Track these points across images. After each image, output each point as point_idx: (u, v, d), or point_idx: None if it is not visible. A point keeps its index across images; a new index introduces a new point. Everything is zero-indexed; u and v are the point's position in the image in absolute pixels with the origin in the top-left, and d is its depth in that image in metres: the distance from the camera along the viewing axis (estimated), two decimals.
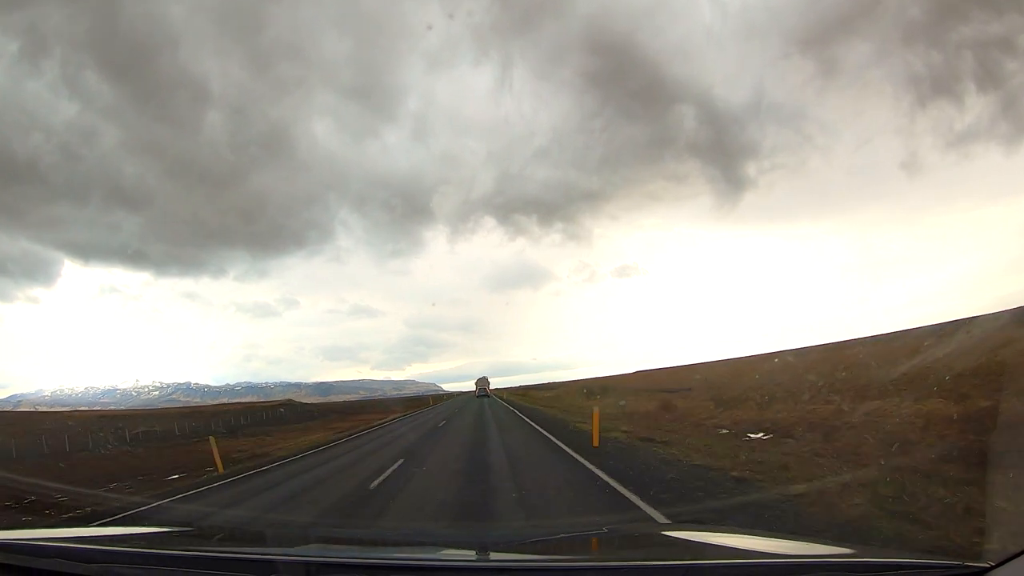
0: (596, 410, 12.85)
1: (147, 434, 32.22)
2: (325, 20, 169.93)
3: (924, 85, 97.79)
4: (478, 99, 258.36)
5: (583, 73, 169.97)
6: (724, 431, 12.17)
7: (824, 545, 2.38)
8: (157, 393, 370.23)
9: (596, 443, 11.35)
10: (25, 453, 23.44)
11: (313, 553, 2.14)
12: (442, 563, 2.09)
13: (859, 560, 1.86)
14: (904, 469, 6.05)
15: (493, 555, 2.25)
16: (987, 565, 1.56)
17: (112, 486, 12.22)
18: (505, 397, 69.69)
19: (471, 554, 2.30)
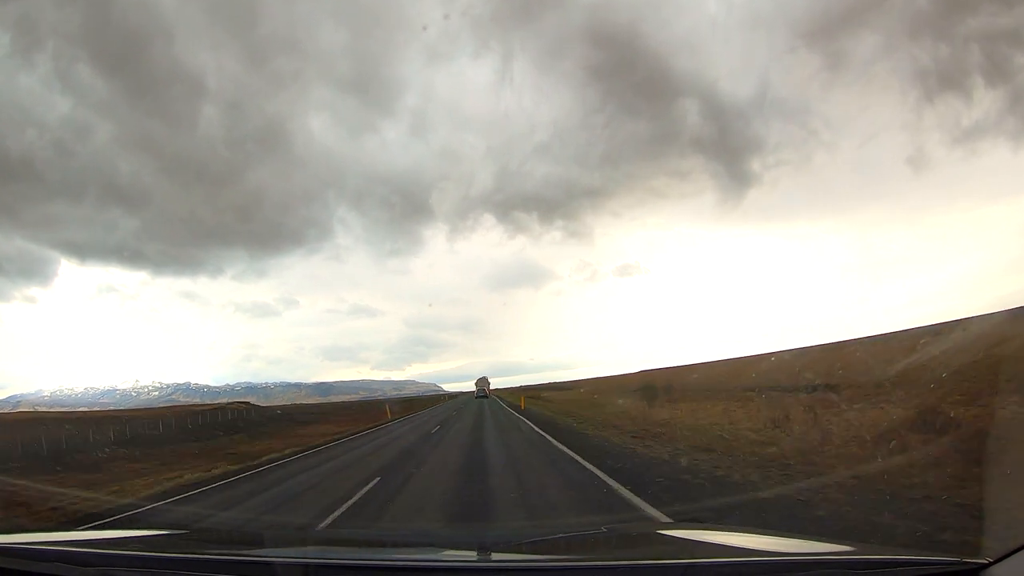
0: None
1: None
2: (321, 11, 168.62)
3: (931, 79, 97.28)
4: (478, 92, 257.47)
5: (585, 66, 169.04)
6: None
7: (823, 543, 2.38)
8: (157, 393, 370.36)
9: None
10: None
11: (312, 555, 2.15)
12: (442, 564, 2.10)
13: (858, 558, 1.86)
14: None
15: (493, 555, 2.25)
16: (986, 561, 1.57)
17: None
18: (510, 400, 50.02)
19: (471, 555, 2.31)
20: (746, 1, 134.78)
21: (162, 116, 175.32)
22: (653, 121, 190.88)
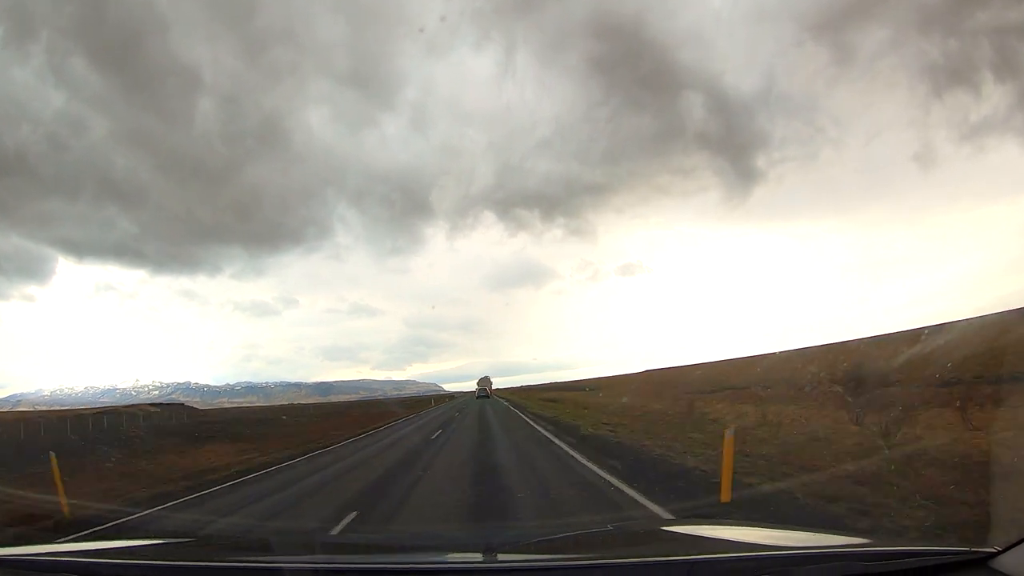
0: None
1: None
2: (318, 1, 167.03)
3: (939, 74, 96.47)
4: (479, 86, 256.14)
5: (588, 59, 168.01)
6: None
7: (830, 535, 2.39)
8: (157, 392, 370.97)
9: None
10: None
11: (320, 560, 2.15)
12: (450, 567, 2.10)
13: (866, 550, 1.87)
14: None
15: (500, 556, 2.26)
16: (994, 550, 1.59)
17: None
18: (520, 403, 41.13)
19: (478, 556, 2.31)
20: None
21: (158, 111, 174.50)
22: (657, 116, 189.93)
